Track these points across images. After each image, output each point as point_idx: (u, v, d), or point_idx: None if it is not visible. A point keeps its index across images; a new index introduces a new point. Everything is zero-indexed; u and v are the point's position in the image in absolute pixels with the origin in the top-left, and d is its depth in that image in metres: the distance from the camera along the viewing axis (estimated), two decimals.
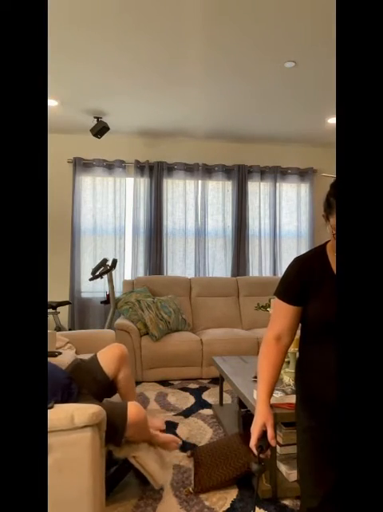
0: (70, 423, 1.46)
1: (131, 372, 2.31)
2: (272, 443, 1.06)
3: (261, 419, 1.09)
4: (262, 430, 1.08)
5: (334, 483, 1.12)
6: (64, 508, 1.45)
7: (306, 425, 1.19)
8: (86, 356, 2.86)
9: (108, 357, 2.19)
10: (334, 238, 1.07)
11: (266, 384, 1.14)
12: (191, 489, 1.94)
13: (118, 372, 2.19)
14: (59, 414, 1.46)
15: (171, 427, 2.71)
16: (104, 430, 1.60)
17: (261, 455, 1.04)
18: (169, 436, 2.16)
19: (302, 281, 1.15)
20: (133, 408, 1.80)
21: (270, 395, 1.14)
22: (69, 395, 1.89)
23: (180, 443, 2.23)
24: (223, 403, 3.02)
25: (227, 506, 1.86)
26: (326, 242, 1.20)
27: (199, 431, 2.66)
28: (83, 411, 1.48)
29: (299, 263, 1.18)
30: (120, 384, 2.21)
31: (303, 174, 5.13)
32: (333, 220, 1.05)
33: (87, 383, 2.09)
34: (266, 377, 1.15)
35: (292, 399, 1.92)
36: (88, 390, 2.05)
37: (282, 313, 1.19)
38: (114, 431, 1.72)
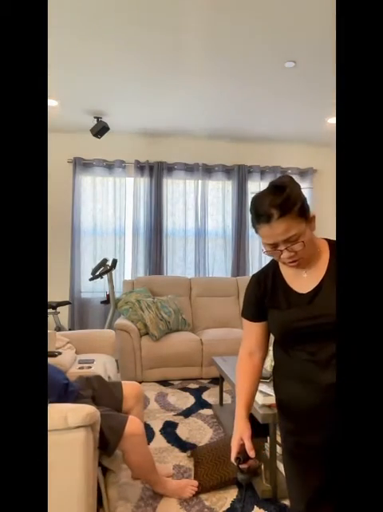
0: (64, 423, 1.45)
1: (142, 412, 2.24)
2: (251, 454, 1.09)
3: (238, 433, 1.13)
4: (240, 443, 1.12)
5: (318, 487, 1.13)
6: (56, 508, 1.44)
7: (284, 428, 1.23)
8: (86, 356, 2.87)
9: (128, 389, 2.15)
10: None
11: (242, 399, 1.18)
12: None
13: (132, 409, 2.13)
14: (53, 414, 1.45)
15: (171, 426, 2.71)
16: (97, 431, 1.59)
17: (241, 466, 1.09)
18: (184, 481, 2.00)
19: (257, 297, 1.20)
20: (132, 420, 1.77)
21: (248, 409, 1.18)
22: (66, 397, 1.87)
23: (198, 488, 1.96)
24: (223, 403, 3.02)
25: (227, 506, 1.87)
26: None
27: (199, 431, 2.66)
28: (77, 412, 1.48)
29: (254, 280, 1.24)
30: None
31: (303, 174, 5.13)
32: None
33: (99, 392, 2.05)
34: (242, 393, 1.19)
35: None
36: (98, 399, 2.00)
37: (249, 331, 1.25)
38: (108, 438, 1.68)
